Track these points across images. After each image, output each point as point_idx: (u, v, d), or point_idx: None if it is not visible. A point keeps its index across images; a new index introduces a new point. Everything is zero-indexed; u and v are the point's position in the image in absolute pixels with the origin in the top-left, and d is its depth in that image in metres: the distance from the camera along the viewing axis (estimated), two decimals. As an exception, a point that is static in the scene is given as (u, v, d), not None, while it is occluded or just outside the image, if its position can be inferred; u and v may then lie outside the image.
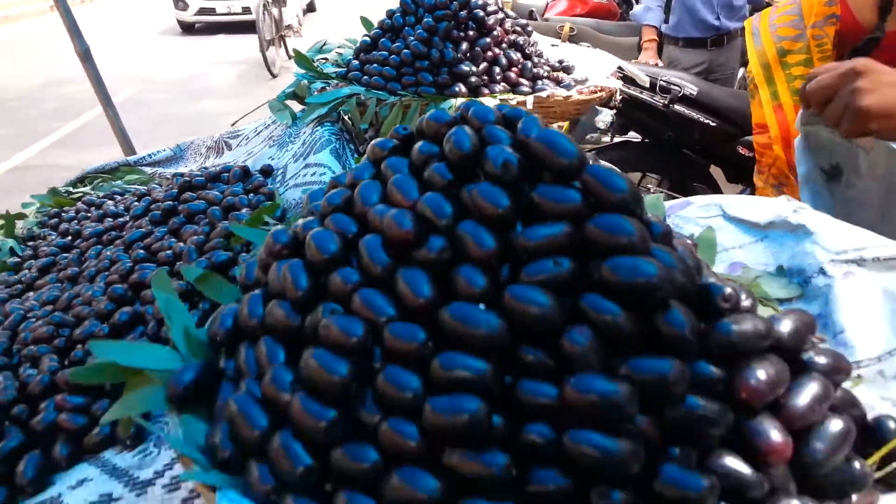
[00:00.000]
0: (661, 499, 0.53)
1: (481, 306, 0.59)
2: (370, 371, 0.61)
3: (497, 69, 1.89)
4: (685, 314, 0.57)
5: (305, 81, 2.03)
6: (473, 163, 0.67)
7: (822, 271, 0.88)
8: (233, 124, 2.10)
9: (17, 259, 1.88)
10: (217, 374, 0.73)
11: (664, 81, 3.82)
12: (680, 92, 3.78)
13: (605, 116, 4.42)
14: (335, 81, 1.98)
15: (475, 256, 0.61)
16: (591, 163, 0.62)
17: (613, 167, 0.62)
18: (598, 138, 4.51)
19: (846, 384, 0.72)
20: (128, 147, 2.78)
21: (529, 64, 1.93)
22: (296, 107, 2.08)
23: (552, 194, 0.61)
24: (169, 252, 1.43)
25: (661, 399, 0.55)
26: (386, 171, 0.75)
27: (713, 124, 3.81)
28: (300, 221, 0.78)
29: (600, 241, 0.58)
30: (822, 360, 0.63)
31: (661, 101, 3.83)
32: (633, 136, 4.48)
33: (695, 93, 3.81)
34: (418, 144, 0.74)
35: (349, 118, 1.90)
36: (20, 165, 6.58)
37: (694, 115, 3.83)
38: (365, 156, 0.81)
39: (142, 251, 1.49)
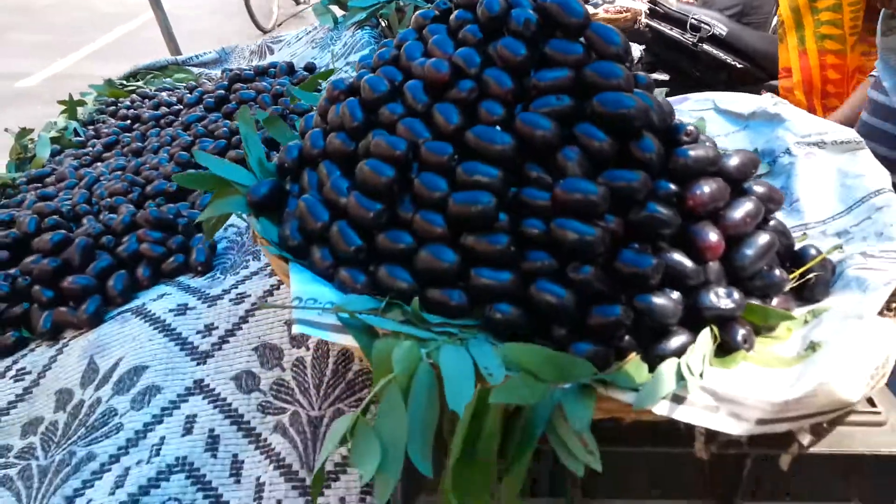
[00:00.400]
0: (619, 273, 0.71)
1: (497, 128, 0.76)
2: (409, 181, 0.80)
3: (528, -16, 2.00)
4: (654, 142, 0.74)
5: (347, -12, 2.16)
6: (500, 24, 0.83)
7: (787, 151, 1.04)
8: (279, 24, 2.23)
9: (81, 139, 2.08)
10: (284, 192, 0.92)
11: (695, 19, 3.84)
12: (710, 31, 3.81)
13: (633, 52, 4.45)
14: (376, -12, 2.11)
15: (496, 93, 0.79)
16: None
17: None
18: (626, 74, 4.55)
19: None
20: (174, 49, 2.94)
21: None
22: (337, 13, 2.22)
23: (560, 46, 0.78)
24: (225, 129, 1.62)
25: (628, 202, 0.72)
26: (427, 35, 0.91)
27: (740, 66, 3.84)
28: (353, 75, 0.95)
29: (595, 83, 0.75)
30: (759, 188, 0.80)
31: (691, 39, 3.86)
32: (660, 77, 4.52)
33: (724, 33, 3.83)
34: (456, 12, 0.90)
35: (387, 24, 2.04)
36: (59, 73, 6.74)
37: (722, 55, 3.85)
38: (409, 25, 0.97)
39: (201, 129, 1.67)
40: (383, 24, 2.06)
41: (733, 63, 3.88)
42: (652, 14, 3.65)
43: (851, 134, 1.01)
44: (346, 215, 0.80)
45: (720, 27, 3.89)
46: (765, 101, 1.13)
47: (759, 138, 1.10)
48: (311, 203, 0.82)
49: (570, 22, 0.78)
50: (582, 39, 0.79)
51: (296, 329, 0.69)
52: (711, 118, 1.18)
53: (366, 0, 2.00)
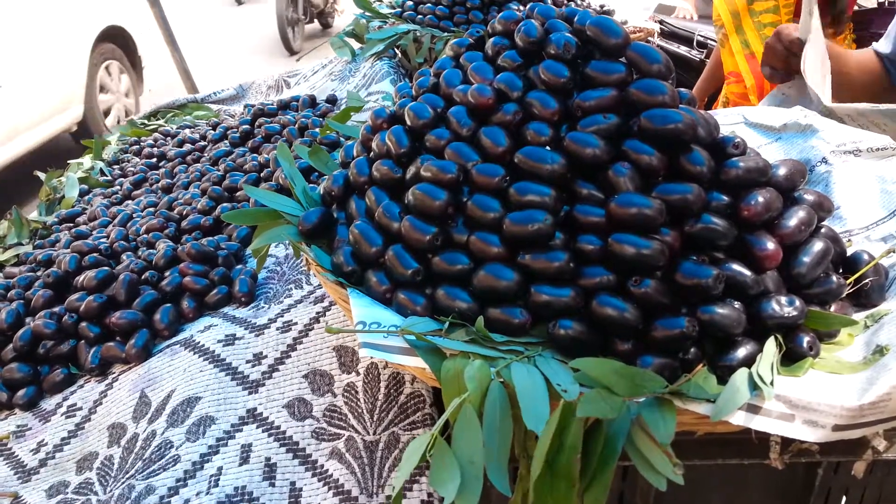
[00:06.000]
0: (680, 286, 0.72)
1: (547, 148, 0.77)
2: (460, 204, 0.81)
3: (543, 9, 2.05)
4: (704, 155, 0.75)
5: (364, 20, 2.20)
6: (539, 48, 0.85)
7: (824, 160, 1.05)
8: (297, 59, 2.28)
9: (108, 178, 2.12)
10: (332, 220, 0.93)
11: (701, 36, 3.88)
12: (716, 46, 3.84)
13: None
14: (391, 20, 2.15)
15: (542, 115, 0.80)
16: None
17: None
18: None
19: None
20: (191, 86, 2.99)
21: (573, 4, 2.08)
22: (354, 46, 2.27)
23: (602, 67, 0.80)
24: (254, 163, 1.64)
25: (683, 215, 0.73)
26: (464, 63, 0.94)
27: (747, 79, 3.87)
28: (383, 105, 0.97)
29: (640, 101, 0.77)
30: (809, 197, 0.81)
31: (698, 55, 3.90)
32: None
33: (729, 47, 3.86)
34: (492, 39, 0.92)
35: (404, 54, 2.08)
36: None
37: (729, 69, 3.88)
38: (444, 53, 1.00)
39: (230, 163, 1.70)
40: (400, 55, 2.10)
41: (740, 76, 3.89)
42: (660, 33, 3.68)
43: (886, 140, 1.02)
44: (401, 239, 0.81)
45: (725, 42, 3.91)
46: (795, 114, 1.14)
47: (792, 149, 1.11)
48: (365, 229, 0.83)
49: (610, 43, 0.80)
50: (622, 59, 0.81)
51: (363, 353, 0.70)
52: (743, 132, 1.19)
53: (383, 32, 2.03)
